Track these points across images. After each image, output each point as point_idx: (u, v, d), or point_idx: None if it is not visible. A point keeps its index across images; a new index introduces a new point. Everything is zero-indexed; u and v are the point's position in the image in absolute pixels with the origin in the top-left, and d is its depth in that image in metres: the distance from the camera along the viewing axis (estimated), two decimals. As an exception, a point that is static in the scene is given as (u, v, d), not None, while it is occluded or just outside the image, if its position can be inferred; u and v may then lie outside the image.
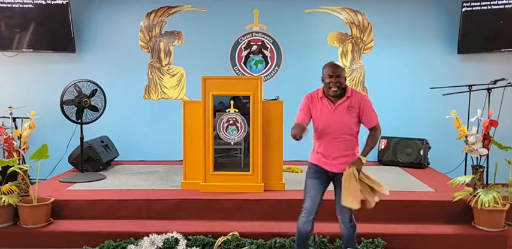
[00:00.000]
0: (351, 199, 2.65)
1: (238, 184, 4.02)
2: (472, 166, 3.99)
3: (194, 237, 3.37)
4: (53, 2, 5.27)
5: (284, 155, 4.11)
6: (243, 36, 5.63)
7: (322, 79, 2.82)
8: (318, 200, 2.81)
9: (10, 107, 4.40)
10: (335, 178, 2.83)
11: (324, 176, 2.83)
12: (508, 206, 3.52)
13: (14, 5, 5.24)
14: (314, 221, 2.83)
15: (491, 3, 5.26)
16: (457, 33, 5.41)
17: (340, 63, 2.79)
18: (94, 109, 4.66)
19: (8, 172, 3.68)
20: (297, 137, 2.55)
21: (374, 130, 2.83)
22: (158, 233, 3.38)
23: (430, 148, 5.23)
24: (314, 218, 2.82)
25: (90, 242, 3.40)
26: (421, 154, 5.15)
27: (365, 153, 2.78)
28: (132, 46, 5.62)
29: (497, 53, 5.42)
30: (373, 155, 5.53)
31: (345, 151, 2.77)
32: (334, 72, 2.74)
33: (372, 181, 2.74)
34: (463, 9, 5.33)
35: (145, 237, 3.34)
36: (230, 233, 3.39)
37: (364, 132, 2.89)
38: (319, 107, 2.79)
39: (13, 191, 3.65)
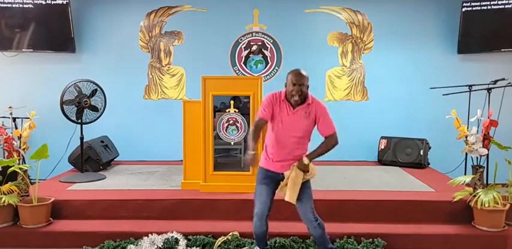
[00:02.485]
0: (291, 194, 2.80)
1: (238, 184, 4.02)
2: (472, 166, 3.98)
3: (194, 237, 3.37)
4: (53, 2, 5.27)
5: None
6: (243, 36, 5.63)
7: (285, 85, 2.86)
8: (268, 205, 2.91)
9: (10, 107, 4.40)
10: None
11: (273, 181, 2.90)
12: (508, 206, 3.52)
13: (14, 5, 5.24)
14: (267, 221, 2.96)
15: (491, 3, 5.26)
16: (457, 33, 5.41)
17: (304, 72, 2.82)
18: (94, 109, 4.66)
19: (8, 172, 3.68)
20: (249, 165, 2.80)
21: (329, 139, 2.85)
22: (158, 233, 3.38)
23: (430, 148, 5.23)
24: (266, 220, 2.95)
25: (90, 242, 3.40)
26: (421, 154, 5.15)
27: (310, 156, 2.82)
28: (132, 46, 5.62)
29: (497, 53, 5.42)
30: (373, 155, 5.54)
31: (295, 154, 2.84)
32: (298, 81, 2.77)
33: (295, 182, 2.80)
34: (463, 9, 5.33)
35: (145, 237, 3.34)
36: (230, 233, 3.39)
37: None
38: (279, 109, 2.85)
39: (13, 191, 3.65)
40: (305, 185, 2.85)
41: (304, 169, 2.80)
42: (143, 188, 4.19)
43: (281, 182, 2.87)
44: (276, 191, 2.89)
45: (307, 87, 2.84)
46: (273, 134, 2.89)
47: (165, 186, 4.26)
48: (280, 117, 2.84)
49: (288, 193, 2.80)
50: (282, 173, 2.86)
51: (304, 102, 2.84)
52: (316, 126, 2.89)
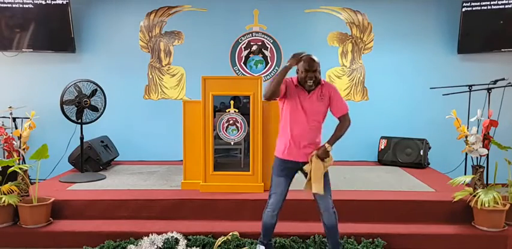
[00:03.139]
0: (318, 185, 2.81)
1: (238, 184, 4.02)
2: (472, 166, 3.99)
3: (194, 237, 3.37)
4: (53, 2, 5.27)
5: (284, 155, 4.11)
6: (243, 36, 5.63)
7: (297, 72, 2.90)
8: (283, 197, 2.95)
9: (10, 107, 4.41)
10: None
11: (290, 172, 2.94)
12: (508, 206, 3.52)
13: (14, 5, 5.24)
14: (278, 215, 2.97)
15: (491, 3, 5.26)
16: (457, 33, 5.41)
17: (315, 57, 2.85)
18: (94, 109, 4.67)
19: (8, 172, 3.68)
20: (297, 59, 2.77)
21: (343, 120, 2.91)
22: (158, 233, 3.38)
23: (430, 148, 5.23)
24: (278, 213, 2.97)
25: (90, 242, 3.40)
26: (421, 154, 5.15)
27: (331, 142, 2.85)
28: (132, 46, 5.62)
29: (497, 53, 5.42)
30: (373, 155, 5.54)
31: (313, 139, 2.88)
32: (311, 67, 2.81)
33: (318, 174, 2.82)
34: (463, 9, 5.33)
35: (145, 237, 3.34)
36: (230, 233, 3.39)
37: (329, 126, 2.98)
38: (294, 93, 2.88)
39: (13, 191, 3.65)
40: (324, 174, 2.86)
41: (326, 156, 2.80)
42: (143, 188, 4.19)
43: (300, 172, 2.91)
44: (302, 189, 2.90)
45: (320, 72, 2.86)
46: (292, 120, 2.88)
47: (165, 186, 4.26)
48: (298, 101, 2.86)
49: (314, 185, 2.80)
50: (302, 163, 2.87)
51: (317, 86, 2.87)
52: (329, 108, 2.93)
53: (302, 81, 2.85)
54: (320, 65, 2.86)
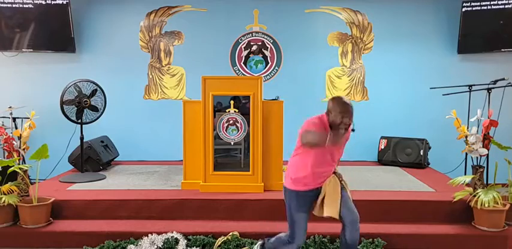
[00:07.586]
0: (331, 209, 2.74)
1: (238, 184, 4.02)
2: (472, 166, 3.99)
3: (194, 237, 3.38)
4: (53, 2, 5.27)
5: (284, 155, 4.11)
6: (243, 36, 5.63)
7: (328, 113, 2.75)
8: (306, 231, 2.86)
9: (10, 107, 4.40)
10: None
11: (309, 202, 2.84)
12: (508, 206, 3.52)
13: (14, 5, 5.24)
14: None
15: (491, 3, 5.26)
16: (457, 33, 5.41)
17: (347, 100, 2.73)
18: (94, 109, 4.67)
19: (8, 172, 3.68)
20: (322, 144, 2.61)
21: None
22: (158, 233, 3.38)
23: (430, 148, 5.23)
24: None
25: (90, 242, 3.40)
26: (421, 154, 5.15)
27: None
28: (132, 46, 5.62)
29: (497, 53, 5.41)
30: (373, 155, 5.54)
31: (330, 173, 2.91)
32: (348, 113, 2.67)
33: (334, 196, 2.79)
34: (463, 9, 5.33)
35: (145, 237, 3.34)
36: (230, 233, 3.39)
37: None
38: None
39: (13, 191, 3.65)
40: (343, 191, 2.84)
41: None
42: (143, 188, 4.19)
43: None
44: (314, 213, 2.83)
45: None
46: (317, 161, 2.79)
47: (165, 186, 4.26)
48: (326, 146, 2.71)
49: (327, 209, 2.73)
50: (320, 188, 2.82)
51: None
52: None
53: (335, 125, 2.70)
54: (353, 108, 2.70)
